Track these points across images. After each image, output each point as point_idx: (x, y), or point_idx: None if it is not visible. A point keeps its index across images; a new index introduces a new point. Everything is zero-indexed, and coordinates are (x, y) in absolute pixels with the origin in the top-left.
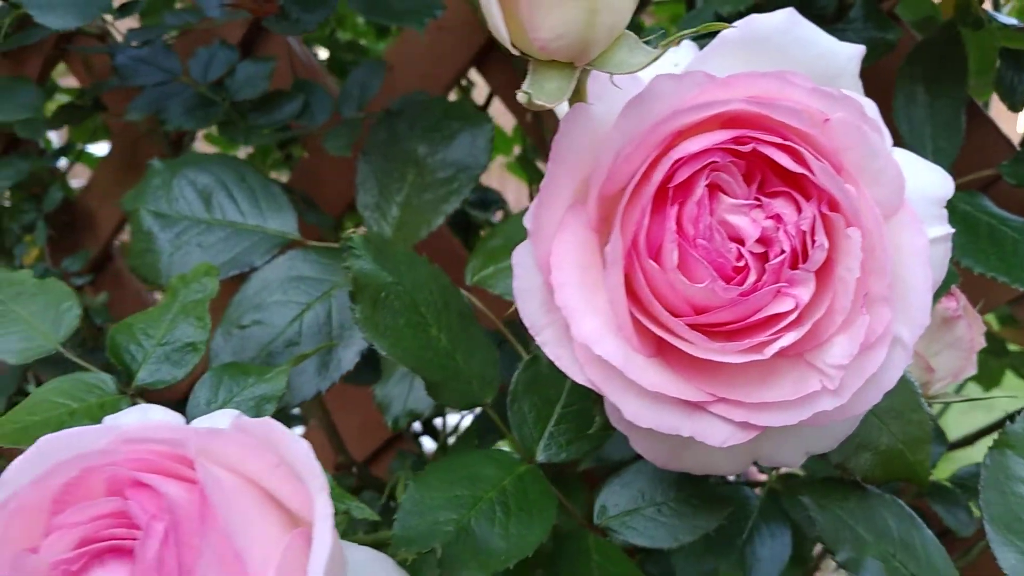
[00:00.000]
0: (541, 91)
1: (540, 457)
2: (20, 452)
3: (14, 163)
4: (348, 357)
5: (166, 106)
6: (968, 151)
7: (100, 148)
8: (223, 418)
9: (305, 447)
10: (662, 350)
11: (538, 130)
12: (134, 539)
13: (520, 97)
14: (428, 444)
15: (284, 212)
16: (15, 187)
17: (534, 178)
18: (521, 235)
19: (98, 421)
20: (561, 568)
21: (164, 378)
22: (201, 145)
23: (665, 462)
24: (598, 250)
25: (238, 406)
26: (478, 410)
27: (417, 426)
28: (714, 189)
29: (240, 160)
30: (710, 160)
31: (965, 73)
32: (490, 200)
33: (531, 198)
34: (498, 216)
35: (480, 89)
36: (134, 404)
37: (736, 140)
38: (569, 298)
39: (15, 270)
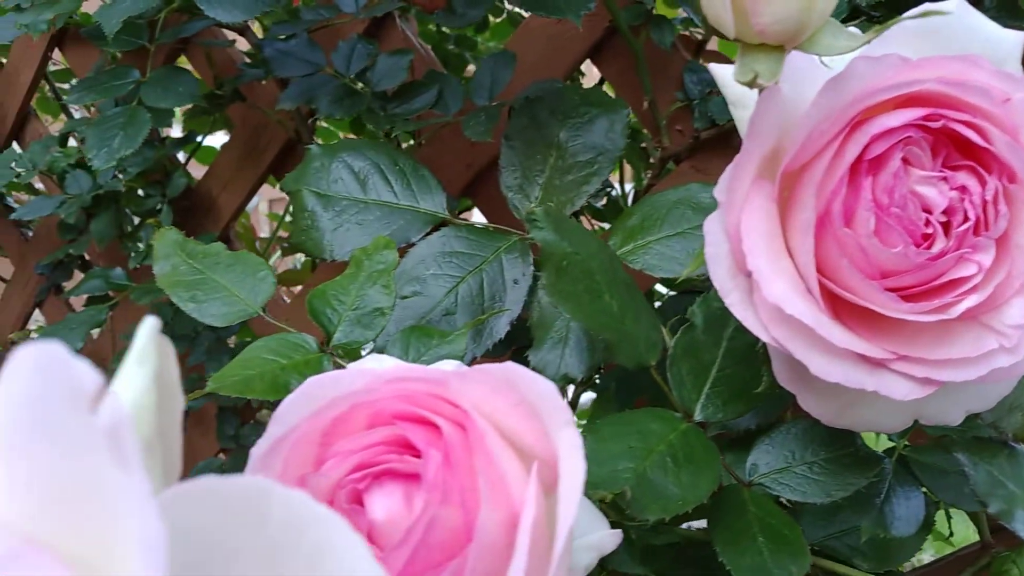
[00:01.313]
0: (753, 72)
1: (698, 416)
2: None
3: (141, 151)
4: (499, 327)
5: (316, 96)
6: None
7: (213, 140)
8: (446, 366)
9: (550, 385)
10: (838, 313)
11: (652, 119)
12: (404, 463)
13: (741, 76)
14: None
15: (434, 193)
16: (136, 175)
17: (645, 166)
18: (657, 214)
19: (304, 376)
20: (721, 520)
21: (357, 339)
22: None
23: (832, 419)
24: (779, 221)
25: (425, 364)
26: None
27: None
28: (905, 162)
29: (391, 145)
30: (905, 135)
31: None
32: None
33: (639, 184)
34: (602, 203)
35: (587, 81)
36: (333, 362)
37: (927, 117)
38: (759, 263)
39: (143, 252)
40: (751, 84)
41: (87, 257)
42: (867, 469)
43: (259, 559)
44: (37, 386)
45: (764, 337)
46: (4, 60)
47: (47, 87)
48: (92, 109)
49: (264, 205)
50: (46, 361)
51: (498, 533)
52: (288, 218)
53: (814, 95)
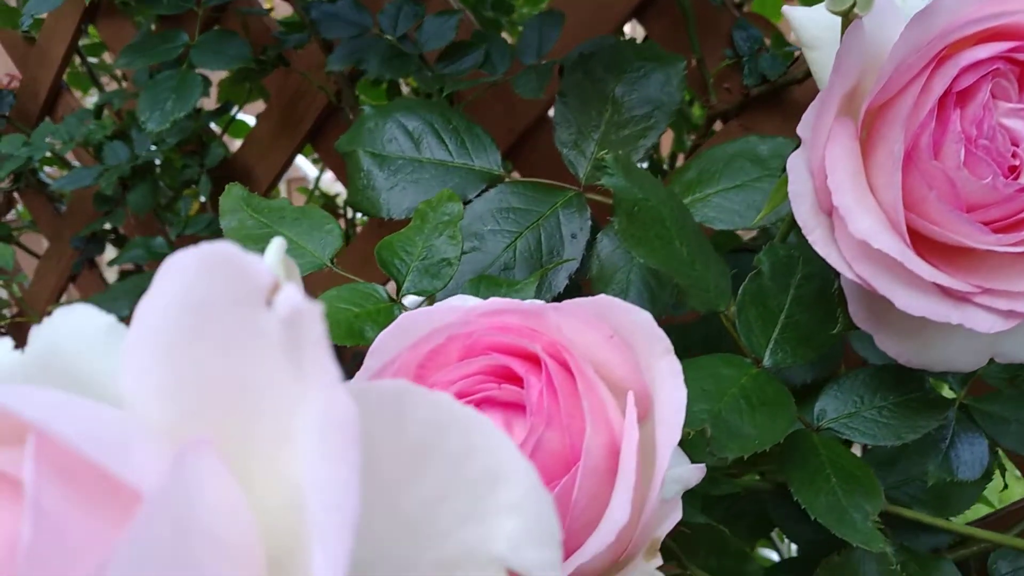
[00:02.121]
0: (844, 4)
1: (767, 362)
2: None
3: (180, 122)
4: (559, 281)
5: (365, 57)
6: None
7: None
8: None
9: (646, 314)
10: (919, 251)
11: (699, 77)
12: (504, 392)
13: (837, 6)
14: None
15: (489, 151)
16: (172, 147)
17: (686, 128)
18: (715, 167)
19: (377, 323)
20: (794, 464)
21: (426, 288)
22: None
23: (909, 358)
24: (861, 159)
25: None
26: None
27: None
28: (992, 95)
29: (444, 105)
30: (993, 67)
31: None
32: None
33: (680, 147)
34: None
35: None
36: (403, 311)
37: (1014, 50)
38: (845, 199)
39: (183, 222)
40: (846, 13)
41: (120, 231)
42: (937, 412)
43: (402, 461)
44: (203, 284)
45: (848, 274)
46: (36, 35)
47: (78, 62)
48: (125, 83)
49: (283, 186)
50: (213, 259)
51: (601, 457)
52: (318, 193)
53: (894, 32)
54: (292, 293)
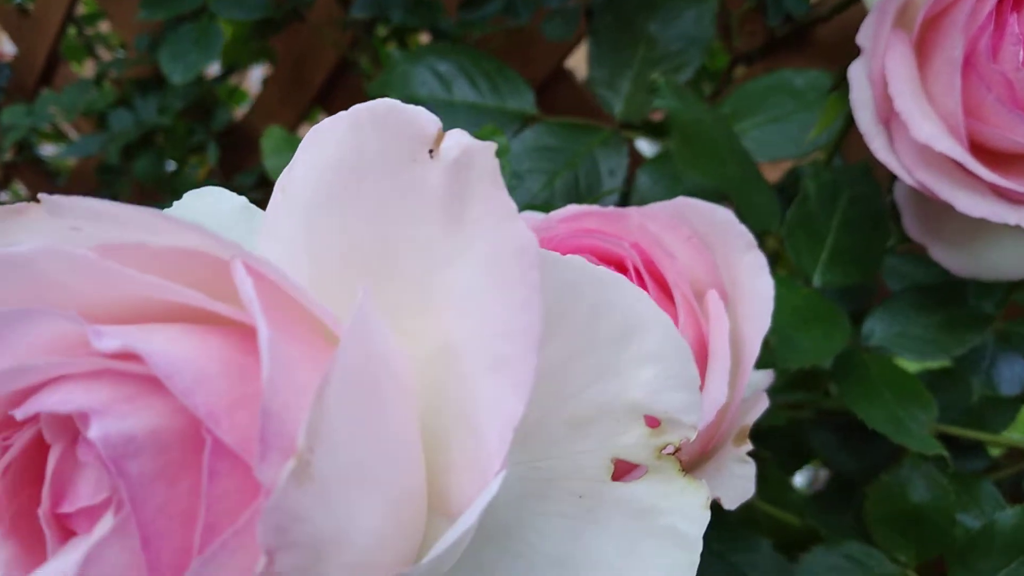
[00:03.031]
0: None
1: (816, 283)
2: None
3: (184, 87)
4: None
5: (388, 6)
6: None
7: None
8: None
9: (728, 212)
10: (976, 157)
11: (723, 20)
12: None
13: None
14: None
15: (522, 92)
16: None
17: (704, 76)
18: (751, 101)
19: None
20: (848, 381)
21: None
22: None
23: (961, 267)
24: (917, 69)
25: None
26: None
27: None
28: None
29: (475, 48)
30: None
31: None
32: None
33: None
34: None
35: None
36: None
37: None
38: (907, 105)
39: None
40: None
41: None
42: (980, 327)
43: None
44: (357, 144)
45: (908, 180)
46: (30, 7)
47: (74, 32)
48: (123, 51)
49: None
50: (370, 115)
51: (692, 347)
52: None
53: None
54: (460, 135)
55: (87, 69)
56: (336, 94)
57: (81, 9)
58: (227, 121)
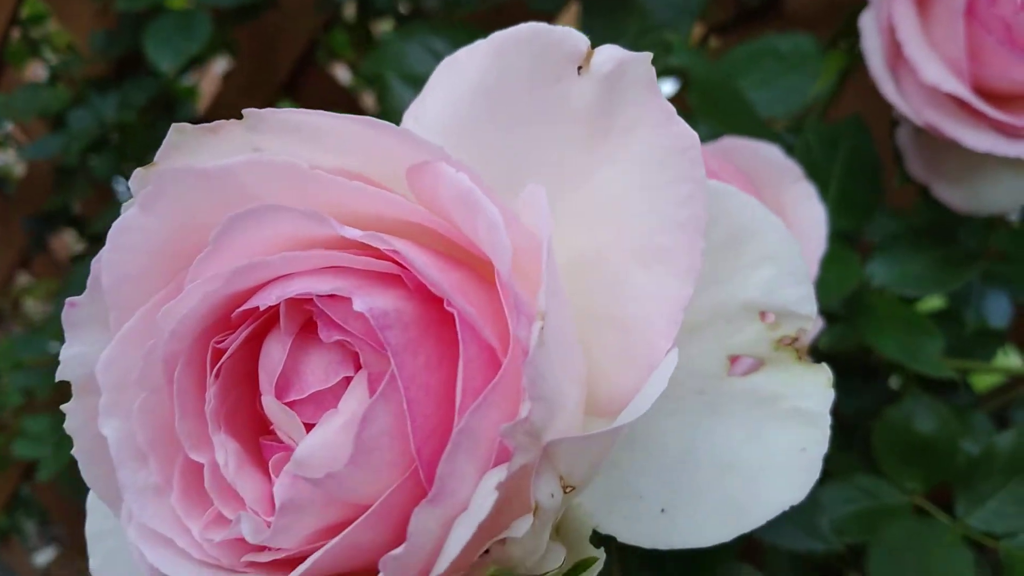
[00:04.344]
0: None
1: None
2: None
3: (144, 83)
4: None
5: None
6: None
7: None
8: None
9: (774, 148)
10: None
11: None
12: None
13: None
14: None
15: None
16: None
17: None
18: (739, 66)
19: None
20: (859, 318)
21: None
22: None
23: (962, 203)
24: (920, 15)
25: None
26: None
27: None
28: None
29: (467, 24)
30: None
31: None
32: None
33: None
34: None
35: None
36: None
37: None
38: (914, 50)
39: None
40: None
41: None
42: (971, 264)
43: None
44: (499, 66)
45: (916, 120)
46: None
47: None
48: (70, 52)
49: None
50: (515, 38)
51: None
52: None
53: None
54: (613, 49)
55: (30, 72)
56: (305, 82)
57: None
58: (190, 116)
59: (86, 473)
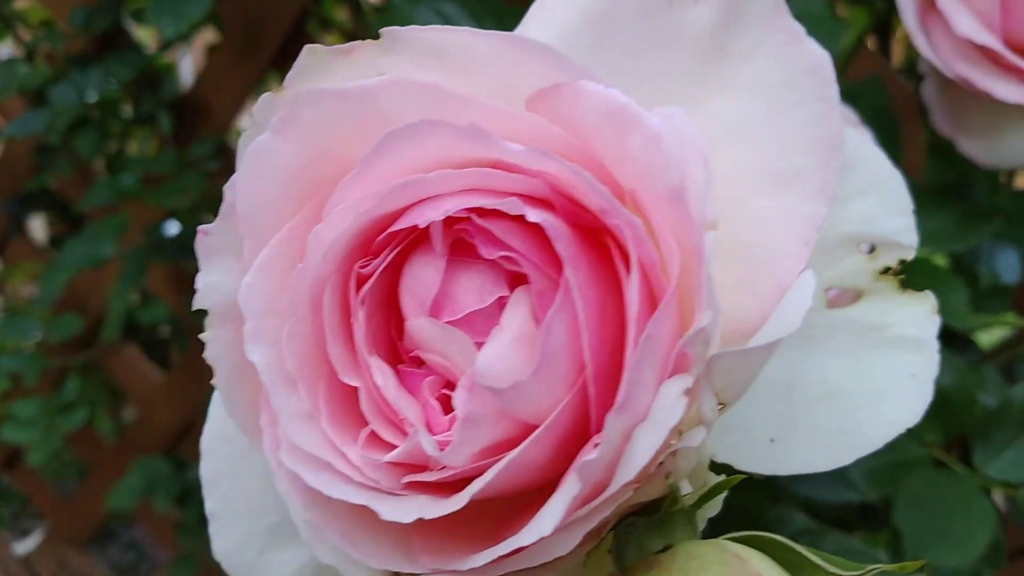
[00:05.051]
0: None
1: None
2: None
3: (128, 57)
4: None
5: None
6: None
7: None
8: None
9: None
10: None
11: None
12: None
13: None
14: None
15: None
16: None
17: None
18: None
19: None
20: None
21: None
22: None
23: (985, 157)
24: None
25: None
26: None
27: None
28: None
29: None
30: None
31: None
32: None
33: None
34: None
35: None
36: None
37: None
38: (947, 4)
39: (150, 160)
40: None
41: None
42: (989, 217)
43: None
44: None
45: (947, 73)
46: None
47: None
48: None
49: None
50: None
51: None
52: None
53: None
54: None
55: (3, 49)
56: (294, 58)
57: None
58: (175, 91)
59: (226, 401)
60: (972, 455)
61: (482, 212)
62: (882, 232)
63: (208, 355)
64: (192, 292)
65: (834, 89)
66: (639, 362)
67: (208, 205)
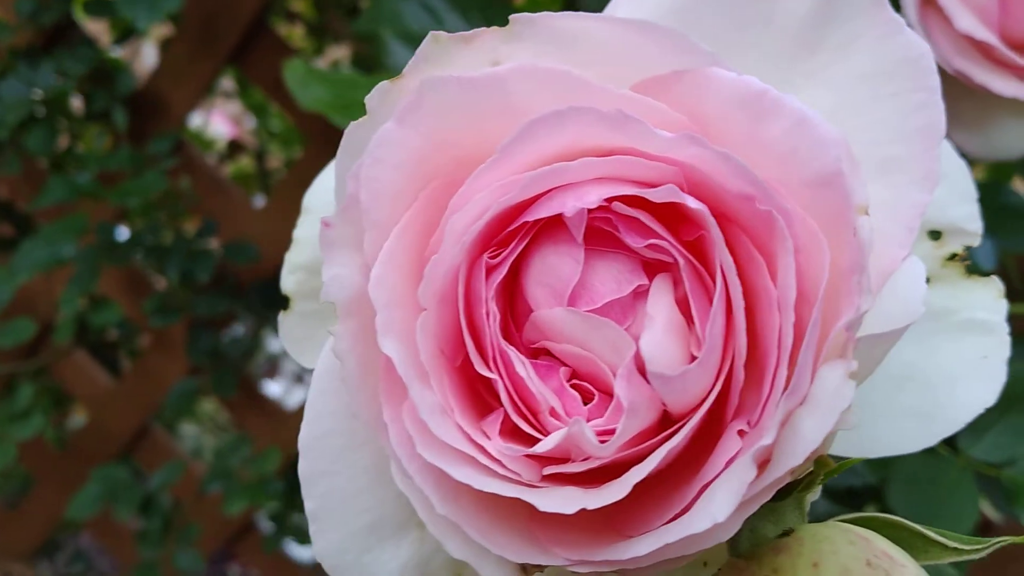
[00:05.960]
0: None
1: None
2: None
3: (81, 52)
4: None
5: None
6: None
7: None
8: None
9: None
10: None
11: None
12: None
13: None
14: None
15: None
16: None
17: None
18: None
19: None
20: None
21: None
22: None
23: (977, 149)
24: None
25: None
26: None
27: None
28: None
29: None
30: None
31: None
32: None
33: None
34: None
35: None
36: None
37: None
38: (948, 1)
39: (105, 157)
40: None
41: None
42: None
43: None
44: None
45: (947, 68)
46: None
47: None
48: None
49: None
50: None
51: None
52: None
53: None
54: None
55: None
56: (253, 52)
57: None
58: (131, 86)
59: (353, 397)
60: (957, 438)
61: (627, 200)
62: (950, 220)
63: (336, 349)
64: (145, 294)
65: (934, 79)
66: (807, 347)
67: (162, 204)
